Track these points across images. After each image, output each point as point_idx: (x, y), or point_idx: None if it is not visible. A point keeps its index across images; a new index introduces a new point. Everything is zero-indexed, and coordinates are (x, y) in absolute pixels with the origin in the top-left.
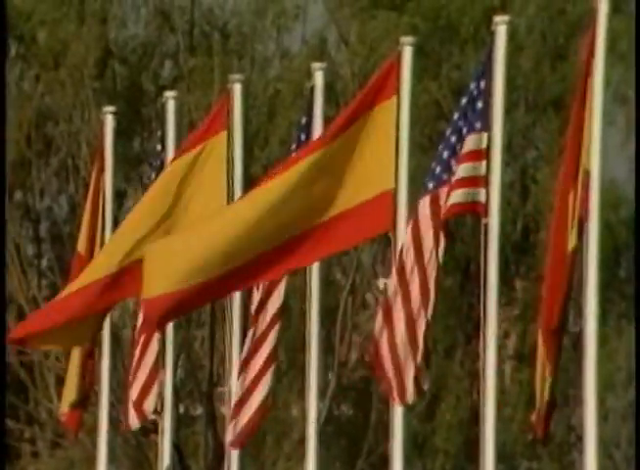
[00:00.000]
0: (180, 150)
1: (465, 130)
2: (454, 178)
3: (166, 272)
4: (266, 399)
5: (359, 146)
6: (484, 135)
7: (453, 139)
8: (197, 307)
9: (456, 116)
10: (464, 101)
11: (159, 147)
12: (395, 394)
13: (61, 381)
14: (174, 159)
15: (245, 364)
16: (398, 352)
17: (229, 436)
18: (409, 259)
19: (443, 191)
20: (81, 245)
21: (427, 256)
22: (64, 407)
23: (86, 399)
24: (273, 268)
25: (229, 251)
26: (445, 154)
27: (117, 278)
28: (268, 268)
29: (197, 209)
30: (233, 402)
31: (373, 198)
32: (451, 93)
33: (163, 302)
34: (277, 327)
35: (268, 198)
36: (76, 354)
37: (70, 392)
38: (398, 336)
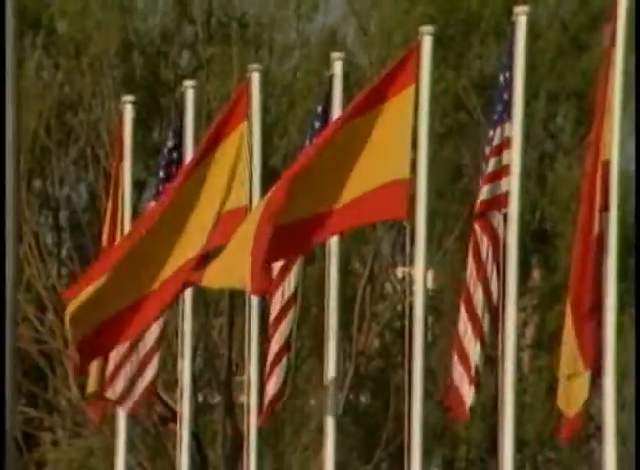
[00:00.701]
0: (202, 148)
1: (496, 123)
2: (485, 174)
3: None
4: (280, 390)
5: (375, 134)
6: (507, 125)
7: (491, 134)
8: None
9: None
10: (495, 94)
11: (170, 143)
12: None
13: None
14: (198, 159)
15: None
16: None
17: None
18: (473, 265)
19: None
20: (105, 239)
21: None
22: (88, 397)
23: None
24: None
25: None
26: (487, 150)
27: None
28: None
29: (218, 200)
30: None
31: (386, 184)
32: (471, 84)
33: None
34: (290, 315)
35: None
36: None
37: (92, 382)
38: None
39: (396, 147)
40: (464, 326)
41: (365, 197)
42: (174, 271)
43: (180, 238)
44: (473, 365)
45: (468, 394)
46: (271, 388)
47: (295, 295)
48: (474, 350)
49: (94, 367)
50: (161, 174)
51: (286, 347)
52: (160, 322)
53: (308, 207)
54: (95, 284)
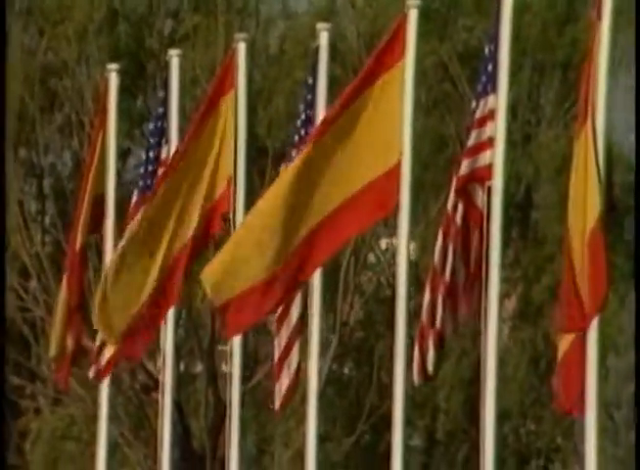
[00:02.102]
0: (195, 124)
1: (480, 95)
2: (466, 147)
3: (230, 274)
4: (299, 364)
5: (370, 114)
6: (491, 97)
7: (473, 105)
8: (273, 307)
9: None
10: (480, 66)
11: (155, 112)
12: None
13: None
14: (192, 135)
15: (278, 325)
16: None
17: (275, 398)
18: (448, 236)
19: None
20: (79, 207)
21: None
22: (51, 360)
23: (77, 353)
24: (307, 264)
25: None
26: (469, 123)
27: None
28: (303, 264)
29: (205, 171)
30: (275, 363)
31: (385, 171)
32: (457, 55)
33: (238, 303)
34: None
35: (290, 188)
36: (62, 308)
37: (54, 346)
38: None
39: (386, 129)
40: (428, 294)
41: (365, 192)
42: (177, 251)
43: (176, 221)
44: (434, 329)
45: (429, 357)
46: (285, 376)
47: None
48: (435, 313)
49: (55, 330)
50: (151, 141)
51: (300, 327)
52: None
53: (305, 220)
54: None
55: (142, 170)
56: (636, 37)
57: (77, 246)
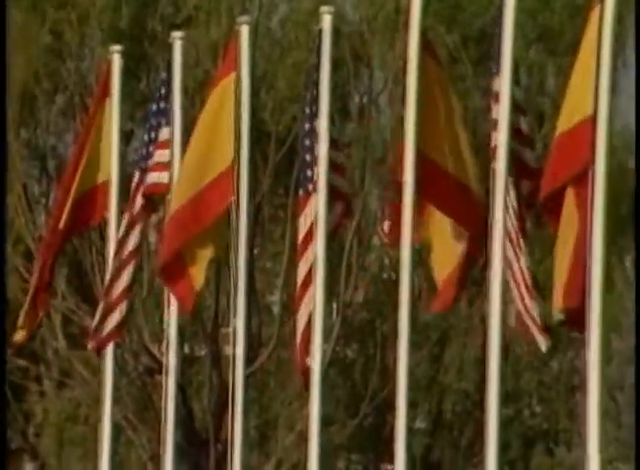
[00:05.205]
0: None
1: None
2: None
3: None
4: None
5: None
6: (496, 79)
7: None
8: None
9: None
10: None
11: (163, 90)
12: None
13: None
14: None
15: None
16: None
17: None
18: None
19: None
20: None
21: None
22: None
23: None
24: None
25: None
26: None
27: None
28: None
29: (206, 153)
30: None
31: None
32: (461, 39)
33: None
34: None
35: None
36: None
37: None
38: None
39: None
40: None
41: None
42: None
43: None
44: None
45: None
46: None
47: None
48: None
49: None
50: (153, 122)
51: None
52: (130, 269)
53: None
54: None
55: (144, 152)
56: (636, 29)
57: (61, 225)
